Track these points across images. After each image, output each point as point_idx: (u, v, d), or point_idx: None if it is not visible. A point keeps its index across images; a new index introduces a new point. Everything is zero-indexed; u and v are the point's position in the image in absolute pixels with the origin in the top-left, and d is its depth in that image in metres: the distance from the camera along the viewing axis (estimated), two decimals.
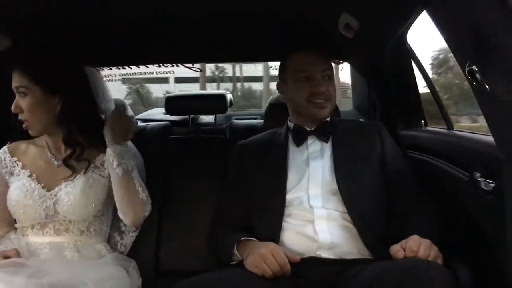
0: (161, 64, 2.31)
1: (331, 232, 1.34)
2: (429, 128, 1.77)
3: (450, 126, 1.59)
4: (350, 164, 1.45)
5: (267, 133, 1.68)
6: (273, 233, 1.38)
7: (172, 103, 2.37)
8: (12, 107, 1.46)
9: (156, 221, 1.75)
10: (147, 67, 2.35)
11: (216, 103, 2.41)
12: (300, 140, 1.53)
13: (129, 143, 1.65)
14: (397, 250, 1.17)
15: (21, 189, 1.46)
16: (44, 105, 1.46)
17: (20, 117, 1.47)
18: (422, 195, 1.44)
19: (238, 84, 20.41)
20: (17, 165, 1.53)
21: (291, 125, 1.58)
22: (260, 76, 20.96)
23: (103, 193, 1.52)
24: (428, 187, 1.48)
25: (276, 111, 1.78)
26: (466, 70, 0.95)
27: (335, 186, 1.41)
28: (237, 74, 20.94)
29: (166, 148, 2.08)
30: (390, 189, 1.45)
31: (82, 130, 1.51)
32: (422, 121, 1.78)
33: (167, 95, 2.46)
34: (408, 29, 1.61)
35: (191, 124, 2.50)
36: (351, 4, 1.50)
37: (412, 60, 1.73)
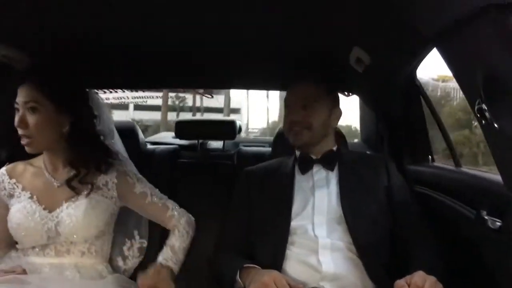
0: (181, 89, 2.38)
1: (335, 263, 1.33)
2: (436, 164, 1.77)
3: (457, 163, 1.60)
4: (356, 194, 1.45)
5: (274, 161, 1.69)
6: (276, 261, 1.37)
7: (182, 128, 2.40)
8: (17, 122, 1.41)
9: (159, 244, 1.74)
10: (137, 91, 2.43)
11: (225, 129, 2.44)
12: (305, 168, 1.55)
13: (133, 166, 1.68)
14: (401, 285, 1.15)
15: (21, 212, 1.43)
16: (53, 123, 1.44)
17: (21, 132, 1.42)
18: (428, 230, 1.43)
19: (198, 114, 20.69)
20: (17, 187, 1.49)
21: (297, 153, 1.60)
22: (220, 108, 21.25)
23: (106, 214, 1.51)
24: (434, 222, 1.47)
25: (284, 140, 1.80)
26: (476, 108, 0.96)
27: (340, 215, 1.41)
28: (197, 105, 21.18)
29: (174, 171, 2.10)
30: (395, 222, 1.45)
31: (88, 152, 1.50)
32: (430, 156, 1.78)
33: (177, 119, 2.49)
34: (418, 65, 1.64)
35: (199, 149, 2.52)
36: (363, 39, 1.54)
37: (421, 96, 1.75)
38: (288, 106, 1.58)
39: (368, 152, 2.13)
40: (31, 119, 1.40)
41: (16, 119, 1.41)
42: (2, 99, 1.81)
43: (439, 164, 1.77)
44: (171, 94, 20.88)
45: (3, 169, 1.54)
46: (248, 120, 22.80)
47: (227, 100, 20.86)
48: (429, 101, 1.75)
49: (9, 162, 1.57)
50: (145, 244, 1.66)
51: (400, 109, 1.81)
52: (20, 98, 1.42)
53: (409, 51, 1.47)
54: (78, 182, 1.47)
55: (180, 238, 1.56)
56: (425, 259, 1.30)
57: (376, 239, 1.38)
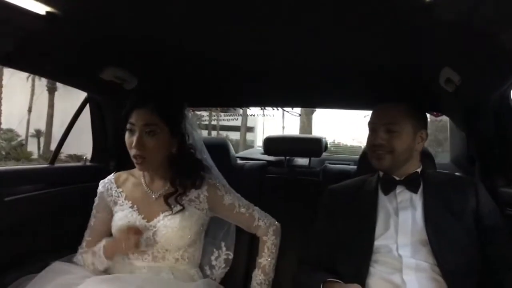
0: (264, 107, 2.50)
1: (419, 283, 1.34)
2: None
3: None
4: (442, 216, 1.43)
5: (358, 179, 1.71)
6: (359, 277, 1.39)
7: (271, 144, 2.49)
8: (135, 144, 1.48)
9: (246, 255, 1.83)
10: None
11: (311, 146, 2.49)
12: (388, 189, 1.54)
13: (222, 178, 1.78)
14: None
15: (123, 220, 1.55)
16: (166, 145, 1.53)
17: (137, 153, 1.49)
18: None
19: (214, 132, 20.58)
20: (121, 195, 1.62)
21: (381, 173, 1.60)
22: (237, 126, 20.99)
23: (198, 225, 1.61)
24: None
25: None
26: None
27: (425, 237, 1.40)
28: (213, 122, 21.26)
29: (261, 185, 2.19)
30: (484, 246, 1.40)
31: (188, 171, 1.60)
32: None
33: (266, 136, 2.59)
34: None
35: (286, 165, 2.59)
36: (453, 60, 1.52)
37: None
38: (372, 129, 1.56)
39: (457, 174, 2.07)
40: (149, 141, 1.49)
41: (134, 140, 1.49)
42: (112, 115, 2.03)
43: None
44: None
45: (111, 177, 1.68)
46: (263, 138, 22.73)
47: (245, 119, 20.97)
48: None
49: (116, 170, 1.72)
50: (230, 256, 1.75)
51: (492, 130, 1.74)
52: (138, 121, 1.49)
53: (500, 72, 1.43)
54: (174, 200, 1.57)
55: (270, 255, 1.67)
56: None
57: (462, 263, 1.36)
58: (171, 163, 1.59)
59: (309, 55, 1.69)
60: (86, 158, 2.23)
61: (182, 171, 1.59)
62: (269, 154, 2.58)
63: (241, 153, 3.28)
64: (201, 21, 1.39)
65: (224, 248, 1.75)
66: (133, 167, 1.64)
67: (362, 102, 2.36)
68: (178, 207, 1.56)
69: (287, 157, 2.61)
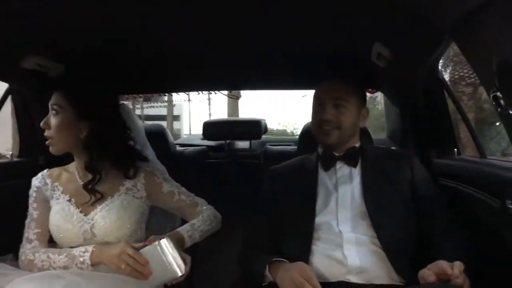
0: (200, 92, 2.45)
1: (360, 257, 1.35)
2: (462, 156, 1.76)
3: (482, 154, 1.58)
4: (380, 189, 1.46)
5: (298, 158, 1.71)
6: (302, 256, 1.39)
7: (210, 129, 2.45)
8: (42, 122, 1.51)
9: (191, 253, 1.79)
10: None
11: (251, 129, 2.47)
12: (328, 165, 1.56)
13: (160, 166, 1.73)
14: (428, 274, 1.15)
15: (60, 214, 1.50)
16: (71, 127, 1.50)
17: (46, 133, 1.51)
18: (453, 222, 1.43)
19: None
20: (58, 189, 1.57)
21: (320, 150, 1.61)
22: (163, 115, 21.04)
23: (137, 214, 1.56)
24: (460, 214, 1.47)
25: (309, 138, 1.83)
26: (491, 96, 0.97)
27: (364, 210, 1.42)
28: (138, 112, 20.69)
29: (202, 171, 2.16)
30: (420, 216, 1.44)
31: (106, 158, 1.55)
32: (455, 149, 1.77)
33: (205, 121, 2.55)
34: (440, 58, 1.63)
35: (227, 149, 2.57)
36: (383, 34, 1.55)
37: (444, 89, 1.74)
38: (319, 104, 1.56)
39: (393, 148, 2.13)
40: (53, 120, 1.50)
41: (43, 120, 1.52)
42: (38, 106, 1.92)
43: (464, 156, 1.76)
44: None
45: (45, 172, 1.61)
46: (190, 126, 22.69)
47: (170, 107, 21.04)
48: (452, 94, 1.73)
49: (46, 165, 1.66)
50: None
51: (423, 103, 1.80)
52: (50, 102, 1.52)
53: (428, 45, 1.46)
54: (92, 188, 1.52)
55: (202, 221, 1.59)
56: (451, 251, 1.29)
57: (400, 233, 1.39)
58: (83, 148, 1.54)
59: (236, 36, 1.66)
60: (12, 154, 2.09)
61: (93, 156, 1.54)
62: (208, 139, 2.54)
63: (180, 140, 3.22)
64: (123, 5, 1.34)
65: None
66: (66, 161, 1.59)
67: (296, 82, 2.37)
68: (115, 195, 1.53)
69: (228, 141, 2.59)
